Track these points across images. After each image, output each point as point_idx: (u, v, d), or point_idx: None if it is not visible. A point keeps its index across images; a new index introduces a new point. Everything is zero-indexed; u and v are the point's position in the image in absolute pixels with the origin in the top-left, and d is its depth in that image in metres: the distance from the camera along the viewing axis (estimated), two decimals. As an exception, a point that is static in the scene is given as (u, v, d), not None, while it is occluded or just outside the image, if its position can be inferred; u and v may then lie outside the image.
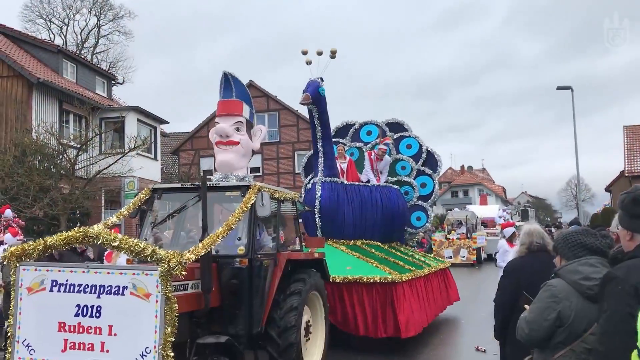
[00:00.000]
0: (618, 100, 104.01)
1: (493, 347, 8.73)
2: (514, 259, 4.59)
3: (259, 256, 6.35)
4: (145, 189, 6.82)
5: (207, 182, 6.68)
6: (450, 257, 24.58)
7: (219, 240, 5.46)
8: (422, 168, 11.96)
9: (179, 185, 6.96)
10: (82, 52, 35.22)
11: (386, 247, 10.59)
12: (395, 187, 11.30)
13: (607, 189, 39.38)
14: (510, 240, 11.36)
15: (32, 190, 17.57)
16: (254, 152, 7.32)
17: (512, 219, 37.16)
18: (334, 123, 12.38)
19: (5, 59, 21.27)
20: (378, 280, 8.44)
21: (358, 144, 12.05)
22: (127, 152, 21.37)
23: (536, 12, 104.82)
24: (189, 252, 5.04)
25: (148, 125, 25.67)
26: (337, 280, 8.51)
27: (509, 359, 4.44)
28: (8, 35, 23.88)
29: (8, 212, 11.65)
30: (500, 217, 31.49)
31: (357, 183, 10.40)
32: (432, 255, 13.91)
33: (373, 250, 9.80)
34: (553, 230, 34.43)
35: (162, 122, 27.20)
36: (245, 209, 6.04)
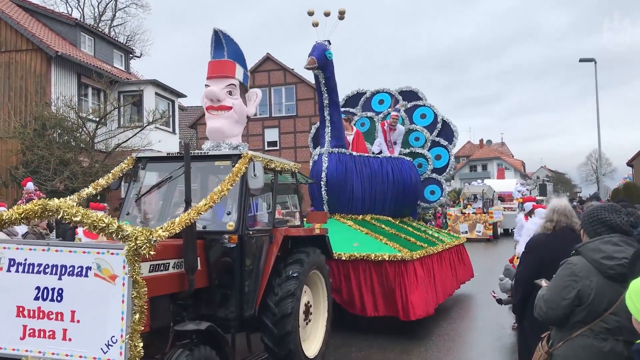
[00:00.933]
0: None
1: (510, 320, 8.15)
2: (539, 235, 4.36)
3: (251, 232, 5.59)
4: (129, 157, 6.08)
5: (198, 152, 5.95)
6: (466, 232, 23.61)
7: (197, 216, 4.68)
8: (437, 139, 10.93)
9: (164, 154, 6.18)
10: (100, 25, 34.32)
11: (397, 222, 9.71)
12: (408, 159, 10.32)
13: (629, 164, 37.71)
14: (528, 215, 10.66)
15: (53, 164, 17.28)
16: (249, 119, 6.49)
17: (530, 194, 35.84)
18: (347, 93, 11.51)
19: (24, 33, 20.79)
20: (387, 258, 7.62)
21: (369, 114, 11.06)
22: (145, 126, 20.93)
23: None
24: (161, 228, 4.29)
25: (166, 98, 25.22)
26: (343, 258, 7.72)
27: (528, 333, 4.28)
28: (26, 9, 23.25)
29: (30, 185, 11.49)
30: (518, 191, 30.26)
31: (366, 154, 9.48)
32: (446, 231, 12.98)
33: (383, 226, 8.95)
34: (574, 203, 33.14)
35: (180, 95, 26.65)
36: (234, 180, 5.27)
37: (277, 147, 31.44)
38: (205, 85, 6.20)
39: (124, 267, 3.96)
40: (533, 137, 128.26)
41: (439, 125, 10.93)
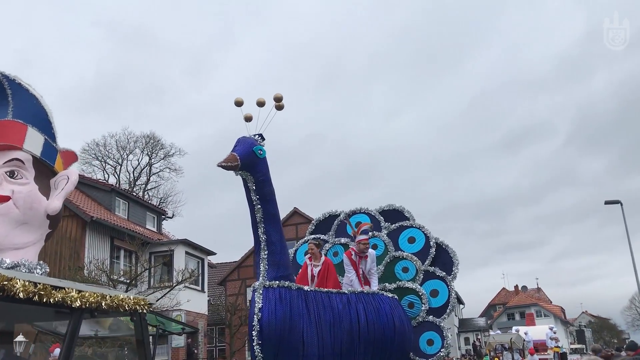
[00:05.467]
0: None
1: None
2: None
3: None
4: None
5: None
6: (497, 391, 17.65)
7: None
8: (432, 269, 6.96)
9: None
10: (134, 189, 32.84)
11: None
12: (391, 295, 6.46)
13: (676, 306, 30.77)
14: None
15: (81, 328, 14.40)
16: (52, 220, 3.32)
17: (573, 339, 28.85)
18: (317, 216, 8.23)
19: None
20: None
21: (344, 240, 7.49)
22: (174, 286, 18.53)
23: (597, 128, 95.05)
24: None
25: (196, 257, 22.97)
26: None
27: None
28: (67, 179, 22.41)
29: (57, 351, 8.65)
30: (551, 339, 23.89)
31: (325, 289, 5.84)
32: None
33: (350, 400, 5.03)
34: (623, 354, 26.24)
35: (210, 253, 24.27)
36: None
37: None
38: (-20, 165, 3.24)
39: None
40: (571, 282, 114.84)
41: (432, 251, 7.06)
